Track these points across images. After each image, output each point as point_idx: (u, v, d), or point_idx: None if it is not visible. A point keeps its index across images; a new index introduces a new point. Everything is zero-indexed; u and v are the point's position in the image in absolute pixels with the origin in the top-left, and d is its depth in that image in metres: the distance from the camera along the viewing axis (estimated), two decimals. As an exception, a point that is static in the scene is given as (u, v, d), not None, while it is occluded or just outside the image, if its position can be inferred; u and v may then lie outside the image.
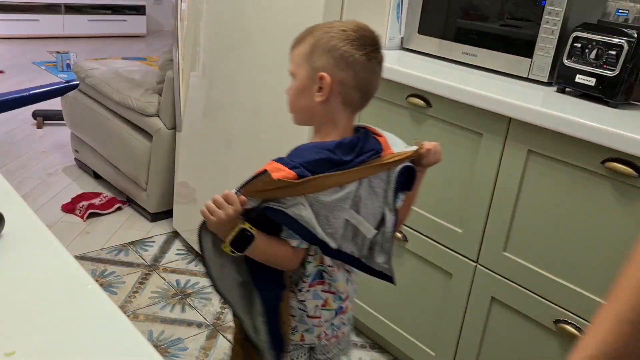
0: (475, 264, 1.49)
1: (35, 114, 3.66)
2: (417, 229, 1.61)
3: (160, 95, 2.46)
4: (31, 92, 0.66)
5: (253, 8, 1.81)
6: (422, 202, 1.59)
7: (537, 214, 1.34)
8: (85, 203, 2.59)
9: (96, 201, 2.62)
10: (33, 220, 0.65)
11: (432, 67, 1.63)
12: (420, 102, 1.53)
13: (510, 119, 1.35)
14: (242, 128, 1.94)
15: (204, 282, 2.16)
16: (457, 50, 1.67)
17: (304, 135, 1.72)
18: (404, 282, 1.70)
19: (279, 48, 1.75)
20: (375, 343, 1.91)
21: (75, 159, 3.09)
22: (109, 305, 0.52)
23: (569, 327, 1.30)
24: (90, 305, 0.52)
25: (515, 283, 1.40)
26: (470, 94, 1.40)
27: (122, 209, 2.68)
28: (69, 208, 2.60)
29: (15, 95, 0.66)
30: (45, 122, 3.67)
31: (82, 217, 2.55)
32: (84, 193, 2.71)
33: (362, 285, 1.82)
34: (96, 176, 2.96)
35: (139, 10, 6.91)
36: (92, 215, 2.57)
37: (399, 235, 1.65)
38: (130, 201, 2.73)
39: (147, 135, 2.52)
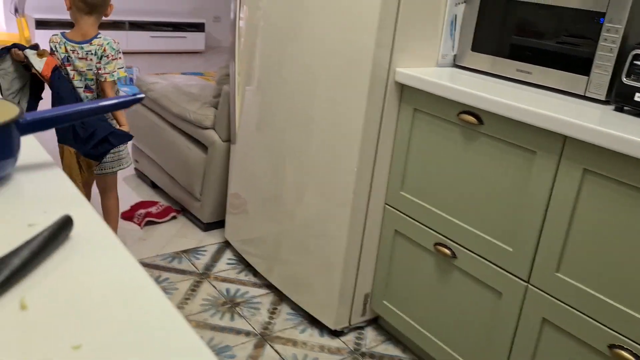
0: (526, 283, 1.46)
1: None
2: (467, 246, 1.60)
3: (217, 109, 2.54)
4: (100, 104, 0.71)
5: (308, 25, 1.85)
6: (472, 219, 1.58)
7: (592, 235, 1.31)
8: (142, 211, 2.69)
9: (153, 209, 2.72)
10: (99, 224, 0.69)
11: (484, 84, 1.63)
12: (472, 119, 1.53)
13: (565, 137, 1.33)
14: (295, 141, 1.98)
15: (254, 292, 2.20)
16: (511, 67, 1.66)
17: (354, 148, 1.74)
18: (452, 300, 1.68)
19: (332, 64, 1.79)
20: (422, 360, 1.89)
21: (135, 168, 3.22)
22: (168, 307, 0.54)
23: (624, 353, 1.26)
24: (150, 305, 0.55)
25: (568, 305, 1.37)
26: (524, 111, 1.39)
27: (176, 218, 2.77)
28: (127, 215, 2.70)
29: (86, 107, 0.71)
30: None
31: (139, 224, 2.65)
32: (142, 201, 2.82)
33: (409, 299, 1.82)
34: (153, 185, 3.07)
35: (198, 27, 7.14)
36: (148, 223, 2.67)
37: (447, 251, 1.65)
38: (184, 210, 2.81)
39: (203, 147, 2.60)
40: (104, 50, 2.03)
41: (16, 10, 4.28)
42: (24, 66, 2.04)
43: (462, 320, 1.66)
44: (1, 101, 0.78)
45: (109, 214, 2.28)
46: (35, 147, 0.86)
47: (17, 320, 0.50)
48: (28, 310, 0.51)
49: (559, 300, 1.39)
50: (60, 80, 1.99)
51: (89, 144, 1.93)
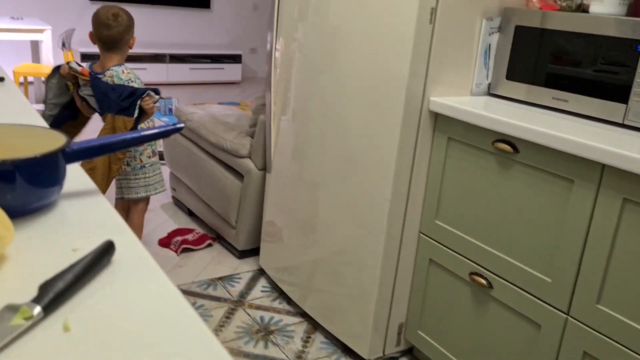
0: (566, 315, 1.42)
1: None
2: (503, 276, 1.57)
3: (252, 138, 2.59)
4: (143, 133, 0.76)
5: (342, 55, 1.89)
6: (508, 248, 1.56)
7: (633, 265, 1.27)
8: (179, 238, 2.74)
9: (189, 237, 2.77)
10: (139, 250, 0.71)
11: (520, 112, 1.62)
12: (507, 147, 1.52)
13: (603, 166, 1.31)
14: (330, 170, 2.00)
15: (288, 320, 2.20)
16: (547, 95, 1.65)
17: (388, 177, 1.75)
18: (489, 331, 1.65)
19: (366, 94, 1.81)
20: (459, 394, 1.85)
21: (173, 196, 3.29)
22: (205, 333, 0.56)
23: (671, 390, 1.21)
24: (188, 331, 0.56)
25: (609, 338, 1.33)
26: (561, 140, 1.37)
27: (212, 246, 2.81)
28: (164, 242, 2.75)
29: (128, 136, 0.75)
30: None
31: (176, 251, 2.69)
32: (178, 229, 2.87)
33: (444, 330, 1.79)
34: (190, 213, 3.13)
35: (235, 59, 7.32)
36: (185, 250, 2.71)
37: (483, 281, 1.62)
38: (219, 238, 2.85)
39: (239, 175, 2.64)
40: (113, 81, 2.16)
41: (63, 45, 4.47)
42: (66, 85, 2.25)
43: (499, 352, 1.62)
44: (49, 131, 0.82)
45: None
46: (79, 175, 0.90)
47: (60, 341, 0.52)
48: (71, 332, 0.53)
49: (600, 333, 1.35)
50: (98, 80, 2.17)
51: (118, 101, 2.12)
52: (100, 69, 2.21)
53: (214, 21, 7.50)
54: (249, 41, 7.84)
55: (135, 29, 2.26)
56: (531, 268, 1.50)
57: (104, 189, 2.21)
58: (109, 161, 2.16)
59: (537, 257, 1.49)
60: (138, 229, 2.42)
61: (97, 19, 2.18)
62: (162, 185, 2.38)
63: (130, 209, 2.40)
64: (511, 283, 1.56)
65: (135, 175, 2.30)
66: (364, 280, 1.89)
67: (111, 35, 2.17)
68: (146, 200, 2.40)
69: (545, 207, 1.46)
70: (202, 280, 2.46)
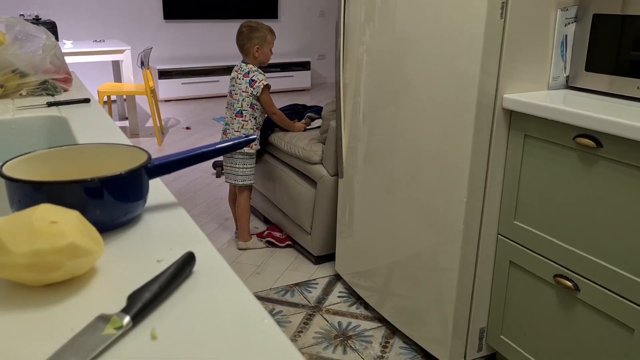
0: (662, 319, 1.33)
1: (214, 165, 4.06)
2: (590, 278, 1.50)
3: (324, 144, 2.61)
4: (217, 146, 0.79)
5: (412, 58, 1.87)
6: (595, 249, 1.48)
7: None
8: (269, 232, 2.98)
9: (277, 234, 2.95)
10: (218, 260, 0.73)
11: (602, 104, 1.54)
12: (590, 142, 1.45)
13: (698, 158, 1.22)
14: (402, 174, 1.98)
15: (365, 325, 2.19)
16: (632, 85, 1.55)
17: (463, 178, 1.71)
18: (576, 336, 1.57)
19: (437, 96, 1.78)
20: (547, 401, 1.77)
21: (248, 204, 3.37)
22: (283, 339, 0.57)
23: None
24: (266, 338, 0.57)
25: None
26: (648, 132, 1.29)
27: (291, 246, 2.89)
28: (259, 235, 2.98)
29: (204, 150, 0.79)
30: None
31: (260, 236, 2.95)
32: (273, 226, 3.07)
33: (528, 335, 1.72)
34: (266, 220, 3.19)
35: (304, 66, 7.41)
36: (269, 243, 2.94)
37: (569, 284, 1.55)
38: (295, 244, 2.89)
39: (312, 182, 2.67)
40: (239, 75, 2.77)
41: (142, 64, 4.70)
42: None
43: (588, 358, 1.54)
44: (132, 148, 0.87)
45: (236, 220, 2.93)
46: (160, 189, 0.94)
47: (148, 349, 0.54)
48: (158, 341, 0.55)
49: (703, 338, 1.25)
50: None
51: None
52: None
53: (282, 30, 7.63)
54: (317, 48, 7.92)
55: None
56: (621, 269, 1.42)
57: None
58: None
59: (627, 257, 1.40)
60: (241, 214, 2.84)
61: None
62: (247, 179, 2.79)
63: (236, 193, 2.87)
64: (600, 285, 1.48)
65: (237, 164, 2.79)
66: (442, 283, 1.85)
67: (237, 42, 2.75)
68: (242, 189, 2.81)
69: (633, 203, 1.37)
70: (279, 286, 2.50)
